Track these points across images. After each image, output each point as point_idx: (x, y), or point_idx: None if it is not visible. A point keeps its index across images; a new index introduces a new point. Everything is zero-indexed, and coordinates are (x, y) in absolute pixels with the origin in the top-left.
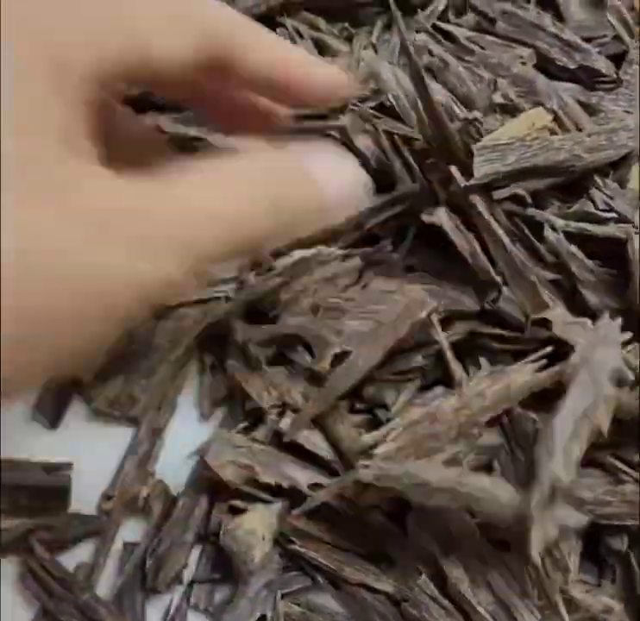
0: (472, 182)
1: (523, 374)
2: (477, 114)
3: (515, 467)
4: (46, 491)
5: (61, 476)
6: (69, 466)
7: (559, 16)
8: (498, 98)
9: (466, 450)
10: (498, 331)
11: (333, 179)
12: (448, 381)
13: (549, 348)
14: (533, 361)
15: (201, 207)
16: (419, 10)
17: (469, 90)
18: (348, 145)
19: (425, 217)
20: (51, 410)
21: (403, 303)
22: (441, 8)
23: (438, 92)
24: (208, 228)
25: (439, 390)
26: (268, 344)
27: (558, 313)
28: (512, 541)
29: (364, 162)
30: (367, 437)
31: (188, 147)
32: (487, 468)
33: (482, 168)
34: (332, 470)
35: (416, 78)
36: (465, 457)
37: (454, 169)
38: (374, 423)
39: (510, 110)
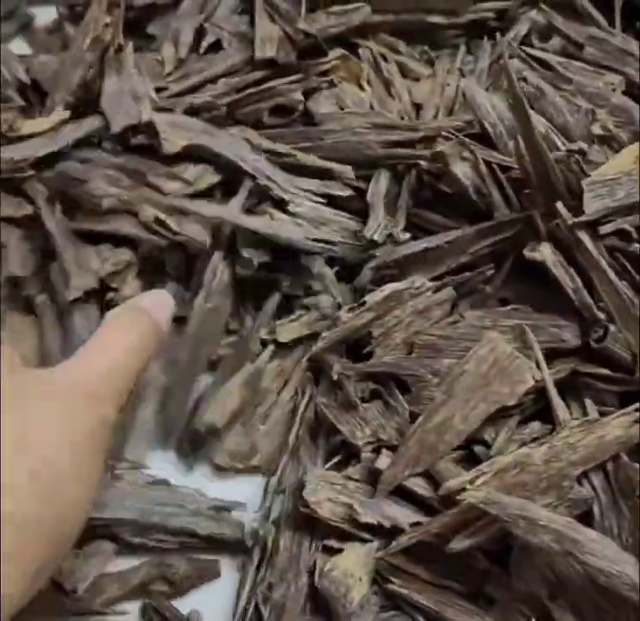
0: (583, 218)
1: (617, 428)
2: (582, 145)
3: (616, 516)
4: None
5: None
6: None
7: None
8: (596, 129)
9: (556, 502)
10: (603, 371)
11: (160, 310)
12: (545, 416)
13: None
14: (627, 414)
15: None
16: (497, 33)
17: (566, 121)
18: (446, 171)
19: (528, 253)
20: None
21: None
22: (524, 31)
23: (538, 122)
24: (114, 379)
25: (536, 425)
26: (363, 380)
27: None
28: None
29: (462, 191)
30: (453, 483)
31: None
32: (585, 515)
33: (593, 204)
34: (431, 508)
35: (518, 108)
36: (555, 510)
37: (560, 205)
38: (472, 459)
39: (607, 141)
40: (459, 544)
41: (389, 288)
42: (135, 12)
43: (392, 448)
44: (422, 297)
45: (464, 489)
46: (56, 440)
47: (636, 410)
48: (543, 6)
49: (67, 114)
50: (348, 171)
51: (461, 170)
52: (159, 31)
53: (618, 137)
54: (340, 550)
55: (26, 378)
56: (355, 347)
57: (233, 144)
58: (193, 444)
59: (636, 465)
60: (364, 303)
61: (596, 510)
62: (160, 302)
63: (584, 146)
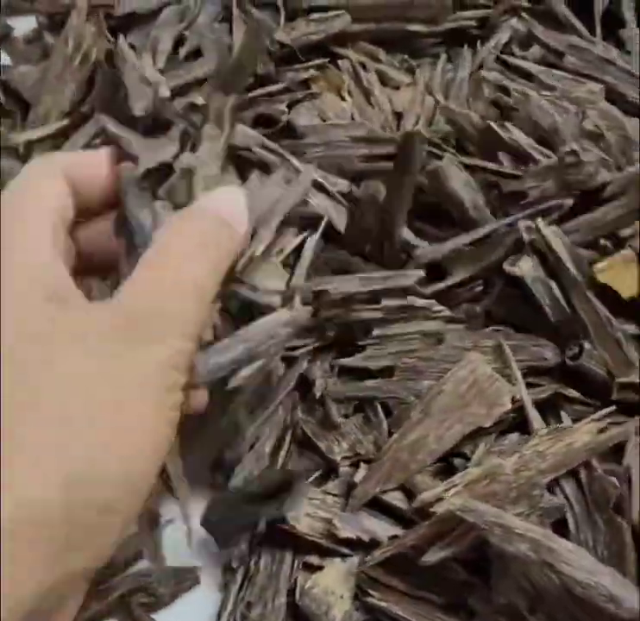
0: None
1: (585, 434)
2: (573, 146)
3: (591, 529)
4: None
5: None
6: None
7: (622, 47)
8: (589, 125)
9: (528, 511)
10: (580, 396)
11: (237, 214)
12: (523, 427)
13: (611, 407)
14: (596, 420)
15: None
16: (478, 41)
17: (555, 121)
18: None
19: (508, 268)
20: None
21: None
22: (504, 40)
23: (511, 137)
24: (187, 310)
25: (514, 436)
26: (346, 401)
27: None
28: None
29: (458, 205)
30: (426, 495)
31: None
32: (562, 527)
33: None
34: (410, 521)
35: None
36: (527, 519)
37: (539, 221)
38: (450, 471)
39: (597, 140)
40: (433, 557)
41: (409, 301)
42: (115, 21)
43: (370, 462)
44: (436, 321)
45: (439, 500)
46: (113, 397)
47: (604, 416)
48: (524, 14)
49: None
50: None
51: (459, 185)
52: (138, 41)
53: (607, 136)
54: (320, 567)
55: (71, 315)
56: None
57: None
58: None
59: (611, 478)
60: (378, 301)
61: (571, 522)
62: (236, 202)
63: (575, 146)
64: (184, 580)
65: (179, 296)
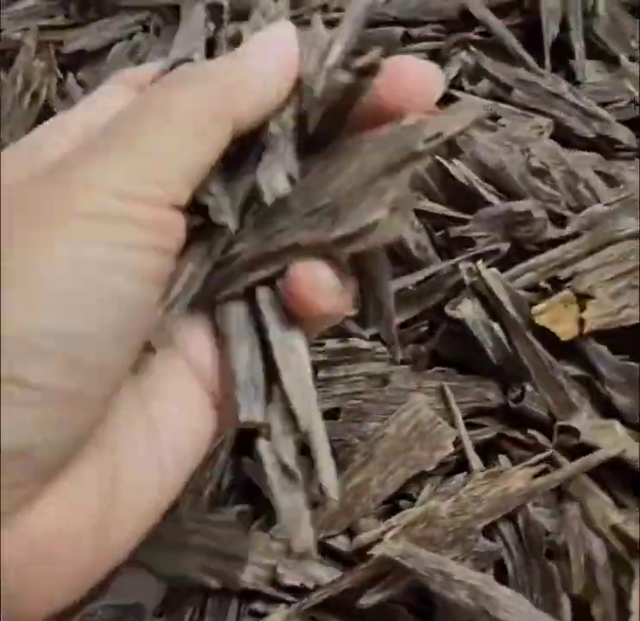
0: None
1: (519, 479)
2: (528, 206)
3: (528, 573)
4: None
5: None
6: None
7: (573, 79)
8: (535, 162)
9: (462, 556)
10: (523, 437)
11: (272, 52)
12: (469, 467)
13: (547, 452)
14: (532, 465)
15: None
16: None
17: (501, 160)
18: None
19: (449, 311)
20: None
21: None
22: (454, 74)
23: (459, 173)
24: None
25: (460, 477)
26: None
27: (585, 418)
28: None
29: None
30: (364, 536)
31: None
32: (503, 572)
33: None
34: (352, 564)
35: None
36: (462, 563)
37: (480, 264)
38: (396, 514)
39: (543, 177)
40: (370, 599)
41: (353, 343)
42: (65, 58)
43: (315, 506)
44: (380, 363)
45: (377, 542)
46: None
47: (539, 462)
48: (473, 48)
49: None
50: None
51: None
52: (88, 78)
53: (553, 174)
54: (265, 614)
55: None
56: None
57: None
58: None
59: (543, 525)
60: (321, 343)
61: (509, 567)
62: (279, 41)
63: (530, 206)
64: (127, 617)
65: (134, 115)
